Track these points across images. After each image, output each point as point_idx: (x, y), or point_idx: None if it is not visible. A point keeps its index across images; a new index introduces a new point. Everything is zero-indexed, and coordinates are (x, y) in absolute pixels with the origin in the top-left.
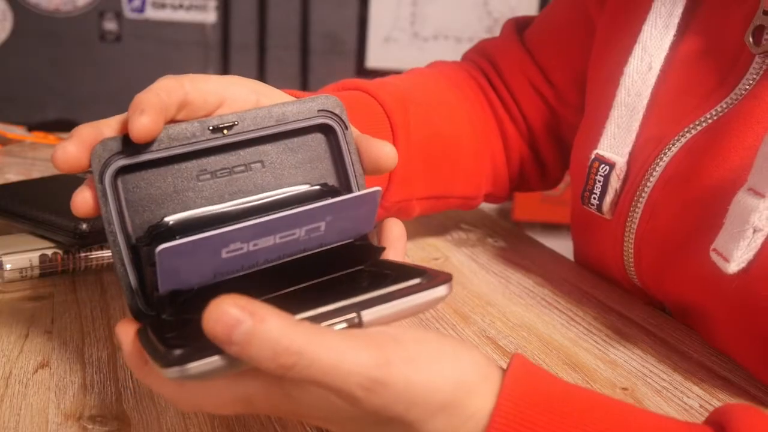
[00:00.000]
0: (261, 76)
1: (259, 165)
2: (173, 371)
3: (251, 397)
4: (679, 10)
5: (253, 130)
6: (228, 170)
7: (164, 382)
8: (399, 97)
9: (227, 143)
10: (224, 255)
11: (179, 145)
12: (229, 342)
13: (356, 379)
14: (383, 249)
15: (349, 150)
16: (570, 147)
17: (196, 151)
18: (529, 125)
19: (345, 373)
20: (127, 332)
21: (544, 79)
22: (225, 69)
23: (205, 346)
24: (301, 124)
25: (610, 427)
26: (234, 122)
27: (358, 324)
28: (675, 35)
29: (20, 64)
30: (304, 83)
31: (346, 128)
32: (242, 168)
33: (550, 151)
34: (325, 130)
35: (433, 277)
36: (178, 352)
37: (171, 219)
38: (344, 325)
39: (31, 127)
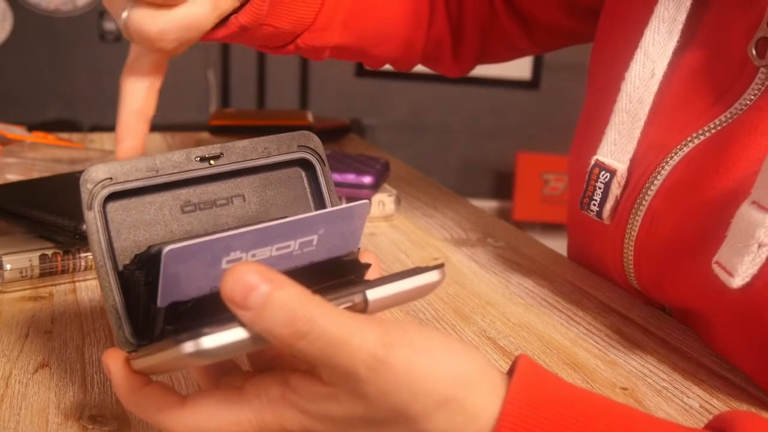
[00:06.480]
0: (261, 76)
1: (240, 199)
2: (189, 345)
3: (249, 422)
4: (682, 16)
5: (237, 162)
6: (211, 203)
7: (160, 408)
8: None
9: (212, 174)
10: (224, 265)
11: (166, 174)
12: (244, 306)
13: (362, 356)
14: (369, 265)
15: (326, 184)
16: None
17: (182, 180)
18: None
19: (354, 348)
20: (115, 359)
21: None
22: (225, 69)
23: (214, 328)
24: (283, 158)
25: None
26: (220, 153)
27: (363, 302)
28: (678, 42)
29: (20, 64)
30: (304, 83)
31: (324, 164)
32: (224, 201)
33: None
34: (305, 164)
35: (426, 268)
36: (187, 332)
37: (156, 248)
38: (350, 303)
39: (31, 127)
